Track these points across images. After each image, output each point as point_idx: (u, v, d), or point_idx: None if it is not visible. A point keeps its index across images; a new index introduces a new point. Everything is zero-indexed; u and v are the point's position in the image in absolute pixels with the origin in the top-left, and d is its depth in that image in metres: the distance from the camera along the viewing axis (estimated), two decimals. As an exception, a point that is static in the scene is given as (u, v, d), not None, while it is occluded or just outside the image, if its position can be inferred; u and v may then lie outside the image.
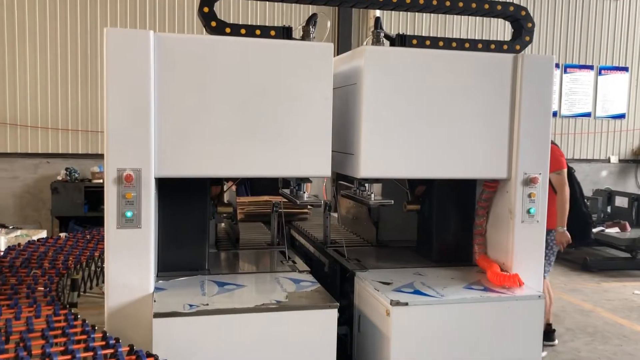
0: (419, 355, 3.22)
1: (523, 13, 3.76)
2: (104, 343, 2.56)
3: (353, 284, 3.71)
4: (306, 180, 3.61)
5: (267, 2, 9.94)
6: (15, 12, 9.16)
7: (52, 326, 2.75)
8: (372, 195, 3.76)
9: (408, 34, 3.68)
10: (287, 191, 3.89)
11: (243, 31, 3.33)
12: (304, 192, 3.66)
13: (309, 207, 5.37)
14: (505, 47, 3.74)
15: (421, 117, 3.47)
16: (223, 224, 5.14)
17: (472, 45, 3.71)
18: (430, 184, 4.07)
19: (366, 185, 3.81)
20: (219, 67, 3.16)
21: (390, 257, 4.22)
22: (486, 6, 3.69)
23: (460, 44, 3.69)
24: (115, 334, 2.73)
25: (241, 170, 3.33)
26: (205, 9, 3.30)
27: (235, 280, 3.51)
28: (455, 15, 10.11)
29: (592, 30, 11.74)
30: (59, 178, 9.26)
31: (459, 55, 3.54)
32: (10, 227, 8.16)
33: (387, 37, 3.72)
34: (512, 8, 3.75)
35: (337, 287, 3.96)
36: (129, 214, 3.09)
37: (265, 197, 5.74)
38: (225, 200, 4.06)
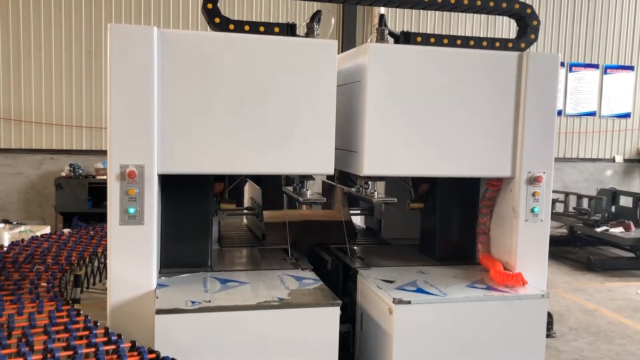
0: (421, 354, 3.22)
1: (528, 11, 3.74)
2: (106, 339, 2.57)
3: (356, 282, 3.71)
4: (309, 177, 3.60)
5: (272, -1, 9.96)
6: (20, 9, 9.18)
7: (55, 322, 2.76)
8: (376, 193, 3.75)
9: (412, 31, 3.67)
10: (290, 189, 3.87)
11: (247, 28, 3.33)
12: (307, 190, 3.64)
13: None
14: (510, 45, 3.73)
15: (425, 115, 3.46)
16: (246, 221, 5.13)
17: (477, 43, 3.69)
18: (433, 182, 4.06)
19: (369, 182, 3.80)
20: (223, 63, 3.16)
21: (393, 255, 4.22)
22: (491, 4, 3.67)
23: (465, 42, 3.67)
24: (118, 330, 2.73)
25: (244, 167, 3.32)
26: (209, 6, 3.29)
27: (237, 278, 3.51)
28: (460, 13, 10.08)
29: (598, 29, 11.68)
30: (63, 174, 9.28)
31: (463, 53, 3.53)
32: (14, 223, 8.19)
33: (391, 34, 3.71)
34: (517, 6, 3.73)
35: (339, 285, 3.95)
36: (131, 210, 3.09)
37: (328, 213, 4.33)
38: (249, 197, 4.04)
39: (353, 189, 4.05)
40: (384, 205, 4.62)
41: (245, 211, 4.76)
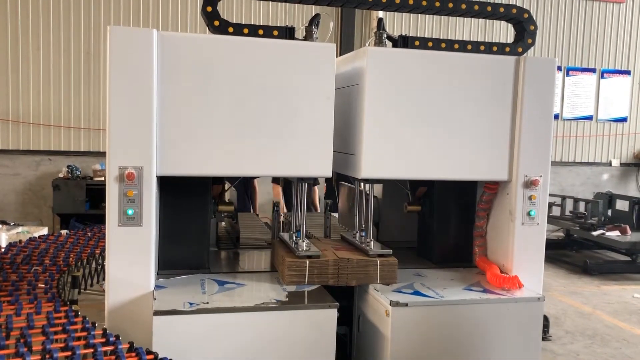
0: (417, 356, 3.22)
1: (526, 15, 3.77)
2: (104, 340, 2.57)
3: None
4: (307, 180, 3.60)
5: (270, 2, 9.96)
6: (19, 10, 9.18)
7: (53, 323, 2.76)
8: (372, 243, 3.71)
9: (410, 35, 3.69)
10: (285, 236, 3.82)
11: (246, 31, 3.35)
12: (304, 241, 3.57)
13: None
14: (507, 49, 3.75)
15: (423, 118, 3.48)
16: (223, 223, 5.15)
17: (475, 47, 3.71)
18: (431, 185, 4.07)
19: (367, 187, 3.80)
20: (222, 66, 3.17)
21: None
22: (489, 8, 3.70)
23: (463, 46, 3.69)
24: (116, 331, 2.73)
25: (242, 169, 3.33)
26: (209, 9, 3.31)
27: (235, 279, 3.52)
28: (458, 17, 10.12)
29: (595, 33, 11.73)
30: (61, 175, 9.27)
31: (461, 57, 3.55)
32: (12, 224, 8.17)
33: (389, 38, 3.73)
34: (514, 10, 3.75)
35: (337, 286, 3.95)
36: (130, 211, 3.10)
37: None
38: (227, 200, 4.06)
39: (349, 236, 3.99)
40: (382, 208, 4.63)
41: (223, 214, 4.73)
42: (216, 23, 3.32)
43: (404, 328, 3.18)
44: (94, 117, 9.52)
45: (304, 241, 3.57)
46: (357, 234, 3.86)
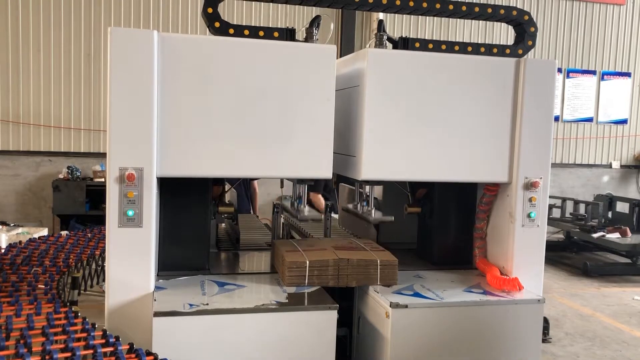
0: (417, 358, 3.22)
1: (526, 17, 3.77)
2: (104, 341, 2.57)
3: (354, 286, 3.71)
4: (307, 181, 3.60)
5: (271, 4, 9.97)
6: (19, 11, 9.18)
7: (53, 324, 2.76)
8: (373, 210, 3.72)
9: (411, 37, 3.69)
10: (287, 204, 3.84)
11: (247, 32, 3.35)
12: (305, 206, 3.59)
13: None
14: (507, 51, 3.75)
15: (423, 120, 3.48)
16: (224, 224, 5.15)
17: (475, 49, 3.72)
18: (431, 187, 4.08)
19: (367, 188, 3.81)
20: (222, 67, 3.18)
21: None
22: (489, 10, 3.70)
23: (463, 48, 3.70)
24: (115, 332, 2.73)
25: (243, 170, 3.34)
26: (209, 10, 3.31)
27: (235, 281, 3.52)
28: (458, 19, 10.14)
29: (595, 36, 11.73)
30: (61, 176, 9.27)
31: (461, 59, 3.55)
32: (12, 225, 8.18)
33: (390, 39, 3.73)
34: (515, 12, 3.76)
35: (337, 288, 3.95)
36: (130, 213, 3.10)
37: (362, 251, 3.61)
38: (227, 201, 4.06)
39: (351, 206, 4.03)
40: (382, 209, 4.63)
41: (223, 215, 4.75)
42: (217, 24, 3.32)
43: (404, 330, 3.18)
44: (94, 118, 9.53)
45: (305, 207, 3.56)
46: (359, 205, 3.84)
